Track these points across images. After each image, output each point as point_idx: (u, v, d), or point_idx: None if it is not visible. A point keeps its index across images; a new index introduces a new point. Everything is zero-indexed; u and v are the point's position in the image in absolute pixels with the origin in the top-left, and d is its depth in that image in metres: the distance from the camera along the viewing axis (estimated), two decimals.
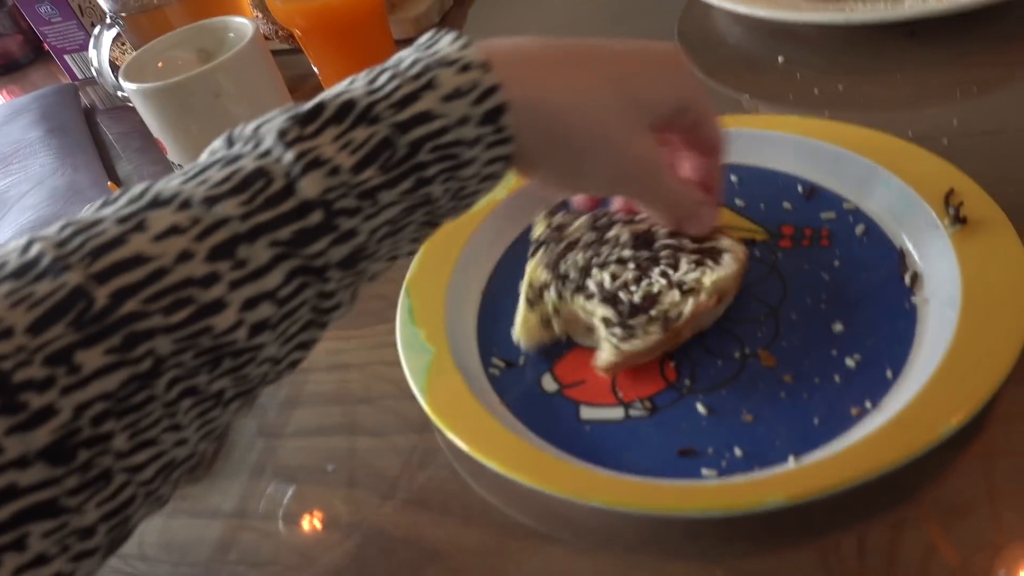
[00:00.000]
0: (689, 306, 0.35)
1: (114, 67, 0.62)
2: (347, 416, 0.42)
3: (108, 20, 0.60)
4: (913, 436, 0.30)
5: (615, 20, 0.68)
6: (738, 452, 0.33)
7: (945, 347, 0.32)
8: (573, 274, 0.37)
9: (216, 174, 0.26)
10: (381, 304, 0.47)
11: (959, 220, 0.37)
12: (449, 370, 0.38)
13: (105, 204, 0.26)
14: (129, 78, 0.50)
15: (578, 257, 0.38)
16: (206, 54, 0.53)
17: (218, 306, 0.24)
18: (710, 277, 0.36)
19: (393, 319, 0.43)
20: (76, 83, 0.84)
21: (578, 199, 0.41)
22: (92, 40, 0.59)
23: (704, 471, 0.32)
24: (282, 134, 0.26)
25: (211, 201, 0.25)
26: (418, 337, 0.40)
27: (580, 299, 0.36)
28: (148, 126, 0.52)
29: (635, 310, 0.36)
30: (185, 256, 0.24)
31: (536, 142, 0.31)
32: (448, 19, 0.75)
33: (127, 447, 0.24)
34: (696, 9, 0.64)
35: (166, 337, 0.24)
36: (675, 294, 0.36)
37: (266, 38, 0.74)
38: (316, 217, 0.26)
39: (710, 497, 0.30)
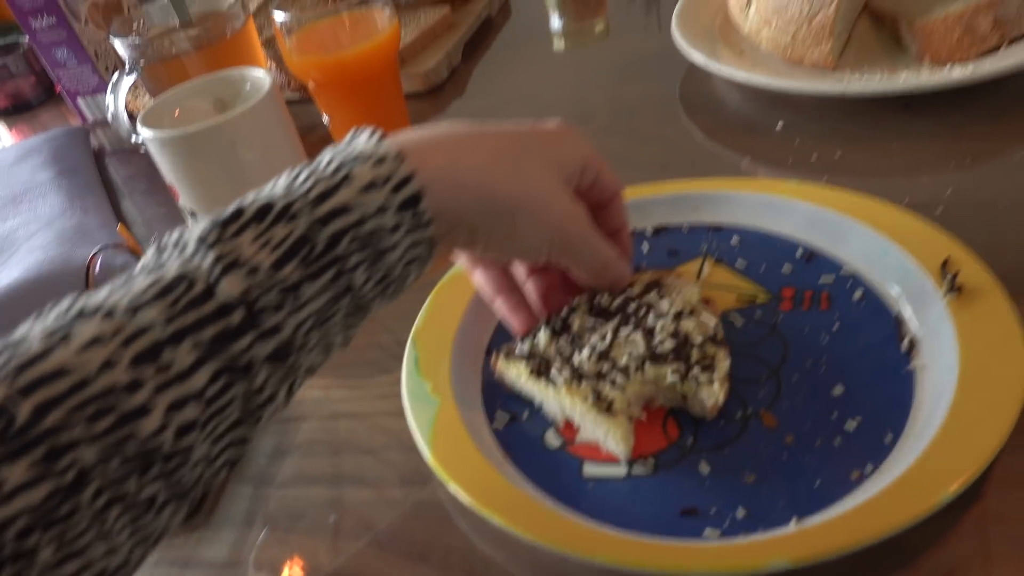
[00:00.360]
0: (710, 319, 0.38)
1: (127, 112, 0.63)
2: (346, 467, 0.42)
3: (127, 67, 0.62)
4: (913, 502, 0.30)
5: (620, 81, 0.70)
6: (741, 513, 0.33)
7: (943, 413, 0.33)
8: (604, 367, 0.36)
9: (141, 282, 0.27)
10: (382, 355, 0.47)
11: (955, 288, 0.38)
12: (454, 422, 0.38)
13: (37, 319, 0.27)
14: (147, 125, 0.51)
15: (586, 357, 0.37)
16: (223, 104, 0.55)
17: (142, 411, 0.25)
18: (692, 293, 0.39)
19: (394, 370, 0.43)
20: (87, 125, 0.86)
21: (515, 323, 0.41)
22: (110, 86, 0.61)
23: (707, 531, 0.33)
24: (202, 239, 0.28)
25: (135, 309, 0.26)
26: (424, 388, 0.40)
27: (635, 376, 0.36)
28: (162, 172, 0.53)
29: (684, 351, 0.37)
30: (108, 365, 0.25)
31: (465, 216, 0.32)
32: (456, 75, 0.77)
33: (53, 560, 0.24)
34: (697, 74, 0.66)
35: (90, 447, 0.24)
36: (690, 321, 0.38)
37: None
38: (238, 316, 0.27)
39: (713, 558, 0.31)
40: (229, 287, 0.27)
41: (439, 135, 0.33)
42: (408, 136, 0.33)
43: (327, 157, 0.31)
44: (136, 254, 0.56)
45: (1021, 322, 0.36)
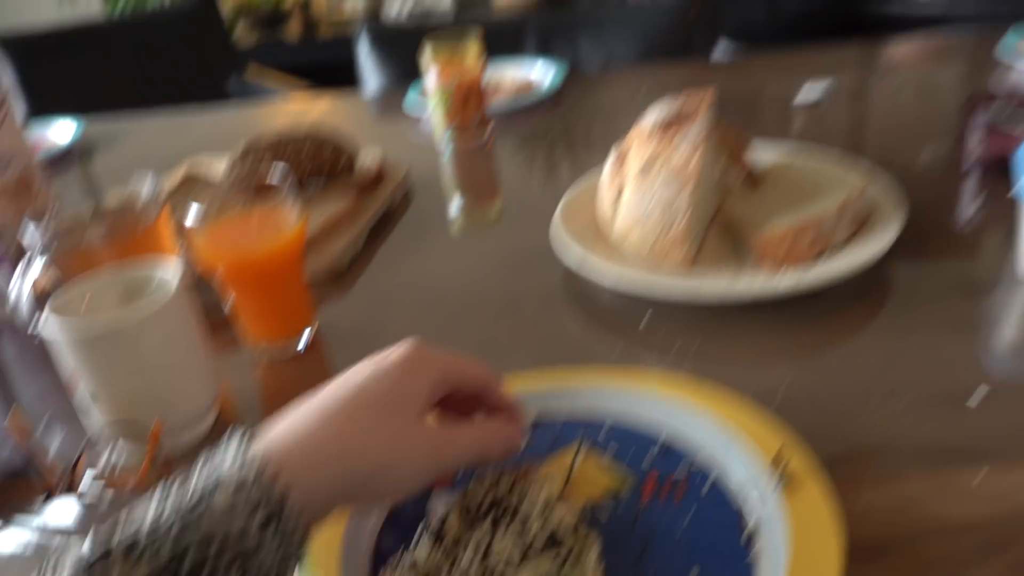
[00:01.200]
0: (572, 508, 0.43)
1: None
2: None
3: (37, 253, 0.64)
4: None
5: (509, 269, 0.78)
6: None
7: None
8: (489, 566, 0.39)
9: None
10: None
11: (785, 478, 0.44)
12: None
13: None
14: (56, 312, 0.53)
15: (470, 560, 0.40)
16: (131, 293, 0.57)
17: None
18: (554, 486, 0.44)
19: None
20: None
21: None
22: (18, 271, 0.63)
23: None
24: None
25: None
26: None
27: (519, 570, 0.39)
28: (63, 362, 0.54)
29: (557, 539, 0.41)
30: None
31: (333, 498, 0.37)
32: (358, 260, 0.83)
33: None
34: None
35: None
36: (560, 509, 0.42)
37: None
38: None
39: None
40: None
41: (292, 433, 0.37)
42: (269, 444, 0.36)
43: (193, 481, 0.35)
44: (22, 443, 0.56)
45: (834, 509, 0.42)
